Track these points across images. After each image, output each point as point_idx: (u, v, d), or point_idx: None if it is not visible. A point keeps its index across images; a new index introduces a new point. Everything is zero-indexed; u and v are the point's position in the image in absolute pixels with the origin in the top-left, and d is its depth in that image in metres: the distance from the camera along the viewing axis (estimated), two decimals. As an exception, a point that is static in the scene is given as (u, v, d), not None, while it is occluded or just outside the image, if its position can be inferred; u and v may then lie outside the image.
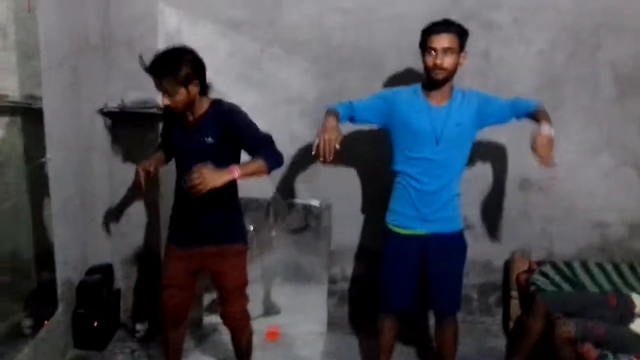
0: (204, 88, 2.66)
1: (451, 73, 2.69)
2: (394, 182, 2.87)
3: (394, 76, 3.45)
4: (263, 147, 2.61)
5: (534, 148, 2.62)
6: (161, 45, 3.39)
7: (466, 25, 3.21)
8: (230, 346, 3.05)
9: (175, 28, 3.46)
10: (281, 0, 3.44)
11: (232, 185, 2.66)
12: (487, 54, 3.45)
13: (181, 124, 2.70)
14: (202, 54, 3.42)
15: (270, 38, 3.48)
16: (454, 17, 3.32)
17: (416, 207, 2.79)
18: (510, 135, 3.48)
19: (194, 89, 2.57)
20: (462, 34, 2.69)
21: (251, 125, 2.67)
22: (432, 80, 2.70)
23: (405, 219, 2.82)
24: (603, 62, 3.45)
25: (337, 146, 2.57)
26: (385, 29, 3.43)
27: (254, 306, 3.56)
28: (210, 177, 2.39)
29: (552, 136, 2.64)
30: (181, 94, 2.55)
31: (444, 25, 2.67)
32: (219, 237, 2.75)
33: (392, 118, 2.79)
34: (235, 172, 2.48)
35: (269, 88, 3.54)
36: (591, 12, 3.38)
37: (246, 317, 2.95)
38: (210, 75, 3.44)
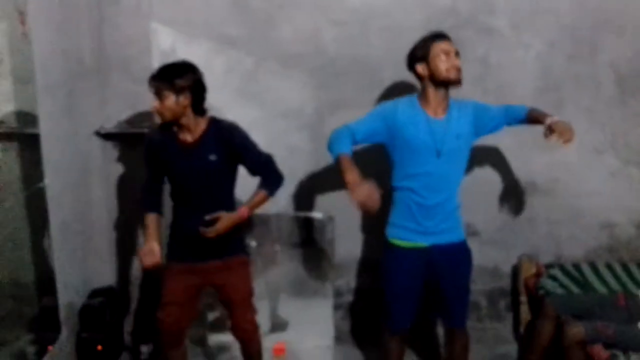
0: (201, 107, 2.69)
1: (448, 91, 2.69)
2: (394, 196, 2.82)
3: (391, 86, 3.43)
4: (265, 169, 2.75)
5: (551, 130, 2.59)
6: (156, 64, 3.40)
7: (464, 32, 3.24)
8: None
9: (170, 47, 3.45)
10: (275, 15, 3.42)
11: (230, 198, 2.78)
12: (485, 60, 3.44)
13: (177, 147, 2.70)
14: (197, 71, 3.46)
15: (265, 52, 3.46)
16: (451, 24, 3.35)
17: (417, 220, 2.75)
18: (513, 139, 3.45)
19: (184, 101, 2.60)
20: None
21: (253, 145, 2.76)
22: (447, 82, 2.66)
23: (407, 232, 2.78)
24: (603, 62, 3.43)
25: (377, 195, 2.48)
26: (381, 40, 3.41)
27: (260, 322, 3.57)
28: (224, 225, 2.64)
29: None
30: (170, 100, 2.59)
31: (444, 34, 2.71)
32: (221, 251, 2.75)
33: (392, 136, 2.74)
34: (245, 213, 2.71)
35: (266, 102, 3.53)
36: (590, 12, 3.38)
37: (255, 328, 2.94)
38: (207, 92, 3.47)
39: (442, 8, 3.37)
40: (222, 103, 3.48)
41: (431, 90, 2.69)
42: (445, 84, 2.67)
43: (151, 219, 2.80)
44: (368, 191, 2.46)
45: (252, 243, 3.54)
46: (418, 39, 2.72)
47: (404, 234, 2.79)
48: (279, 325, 3.67)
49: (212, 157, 2.67)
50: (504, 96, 3.44)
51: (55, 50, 3.04)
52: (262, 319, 3.52)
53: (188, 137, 2.68)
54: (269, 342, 3.51)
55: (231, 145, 2.70)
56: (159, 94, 2.60)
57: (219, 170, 2.70)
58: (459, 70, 2.65)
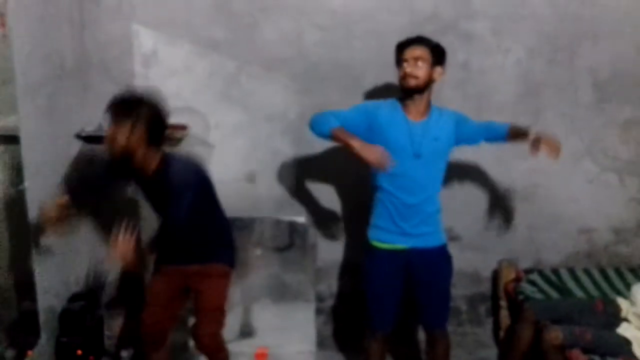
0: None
1: (423, 84, 2.73)
2: (374, 197, 2.87)
3: (373, 90, 3.45)
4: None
5: (537, 145, 2.70)
6: (138, 67, 3.39)
7: (445, 37, 3.23)
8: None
9: (151, 50, 3.43)
10: (258, 18, 3.42)
11: (209, 215, 2.78)
12: (466, 65, 3.46)
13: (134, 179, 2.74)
14: (180, 74, 3.45)
15: (249, 56, 3.46)
16: (432, 29, 3.37)
17: (395, 221, 2.80)
18: (494, 145, 3.48)
19: (139, 138, 2.57)
20: (434, 48, 2.76)
21: (181, 199, 2.62)
22: (403, 89, 2.75)
23: (386, 234, 2.83)
24: (581, 69, 3.48)
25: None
26: (364, 44, 3.43)
27: (235, 328, 3.54)
28: None
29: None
30: (122, 133, 2.55)
31: (416, 39, 2.77)
32: (204, 256, 2.77)
33: (371, 132, 2.78)
34: None
35: (249, 106, 3.52)
36: (569, 19, 3.42)
37: (218, 343, 2.91)
38: (189, 96, 3.46)
39: (424, 13, 3.40)
40: (204, 107, 3.49)
41: (402, 89, 2.77)
42: (403, 91, 2.76)
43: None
44: (379, 149, 2.61)
45: (258, 252, 3.54)
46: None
47: (383, 236, 2.83)
48: (254, 331, 3.66)
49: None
50: (484, 101, 3.49)
51: (35, 51, 3.00)
52: (237, 324, 3.56)
53: (146, 171, 2.66)
54: (250, 348, 3.51)
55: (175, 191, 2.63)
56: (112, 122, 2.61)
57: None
58: (411, 77, 2.70)
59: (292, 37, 3.44)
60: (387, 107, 2.82)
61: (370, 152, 2.61)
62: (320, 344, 3.62)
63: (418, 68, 2.70)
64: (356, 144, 2.62)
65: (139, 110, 2.52)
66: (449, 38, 3.40)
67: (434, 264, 2.85)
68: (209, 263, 2.78)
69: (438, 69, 2.77)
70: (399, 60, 2.76)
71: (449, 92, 3.46)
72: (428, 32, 3.34)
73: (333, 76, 3.47)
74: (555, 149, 2.72)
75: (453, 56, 3.41)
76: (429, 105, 2.80)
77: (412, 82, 2.71)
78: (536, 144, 2.71)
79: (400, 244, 2.81)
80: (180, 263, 2.78)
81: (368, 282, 2.90)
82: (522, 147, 3.48)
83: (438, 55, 2.77)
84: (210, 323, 2.85)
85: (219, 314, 2.87)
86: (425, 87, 2.74)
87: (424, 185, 2.79)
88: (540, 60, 3.47)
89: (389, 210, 2.81)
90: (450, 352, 3.01)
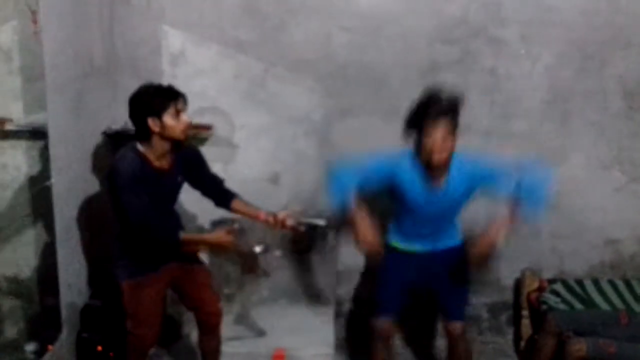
0: None
1: (449, 156, 2.63)
2: (394, 213, 2.90)
3: (400, 94, 3.42)
4: (223, 186, 2.91)
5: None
6: (165, 66, 3.41)
7: (473, 42, 3.22)
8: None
9: (179, 50, 3.46)
10: (286, 20, 3.43)
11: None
12: (494, 71, 3.44)
13: (152, 173, 2.65)
14: (206, 74, 3.47)
15: (275, 58, 3.46)
16: (460, 34, 3.35)
17: (414, 234, 2.85)
18: (518, 150, 3.46)
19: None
20: (456, 114, 2.60)
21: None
22: (431, 165, 2.63)
23: (405, 240, 2.87)
24: (611, 76, 3.43)
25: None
26: (391, 47, 3.41)
27: (253, 329, 3.59)
28: None
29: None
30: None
31: (442, 111, 2.56)
32: (181, 256, 2.79)
33: (391, 185, 2.77)
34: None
35: (274, 108, 3.52)
36: (599, 27, 3.37)
37: (220, 316, 3.01)
38: (215, 96, 3.48)
39: (453, 17, 3.37)
40: (229, 107, 3.51)
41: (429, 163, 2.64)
42: (425, 163, 2.64)
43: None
44: (372, 245, 2.71)
45: (257, 248, 3.54)
46: (421, 102, 2.64)
47: (402, 240, 2.88)
48: (272, 332, 3.66)
49: (180, 179, 2.76)
50: (511, 107, 3.46)
51: (65, 49, 3.04)
52: (258, 325, 3.60)
53: (164, 163, 2.67)
54: (267, 349, 3.52)
55: (191, 164, 2.78)
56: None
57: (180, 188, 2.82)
58: (442, 156, 2.58)
59: (319, 39, 3.44)
60: (406, 165, 2.71)
61: (364, 246, 2.74)
62: (338, 347, 3.61)
63: (446, 145, 2.56)
64: (362, 237, 2.72)
65: None
66: (477, 43, 3.39)
67: (452, 259, 2.87)
68: (188, 263, 2.84)
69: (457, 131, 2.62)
70: (422, 128, 2.57)
71: (477, 98, 3.44)
72: (456, 36, 3.37)
73: (359, 79, 3.46)
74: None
75: (481, 61, 3.42)
76: (446, 169, 2.69)
77: (441, 161, 2.60)
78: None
79: (419, 248, 2.86)
80: (159, 265, 2.78)
81: (381, 275, 2.96)
82: (547, 153, 3.50)
83: (458, 116, 2.61)
84: (211, 299, 2.95)
85: (213, 287, 2.99)
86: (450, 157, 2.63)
87: (443, 222, 2.85)
88: (569, 67, 3.43)
89: (407, 225, 2.86)
90: (471, 355, 3.03)
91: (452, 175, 2.70)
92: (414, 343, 3.70)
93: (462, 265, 2.91)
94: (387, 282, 2.94)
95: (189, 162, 2.77)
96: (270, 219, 2.83)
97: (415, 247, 2.86)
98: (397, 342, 3.54)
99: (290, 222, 2.80)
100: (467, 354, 3.02)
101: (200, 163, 2.83)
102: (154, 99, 2.56)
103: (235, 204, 2.86)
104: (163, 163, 2.67)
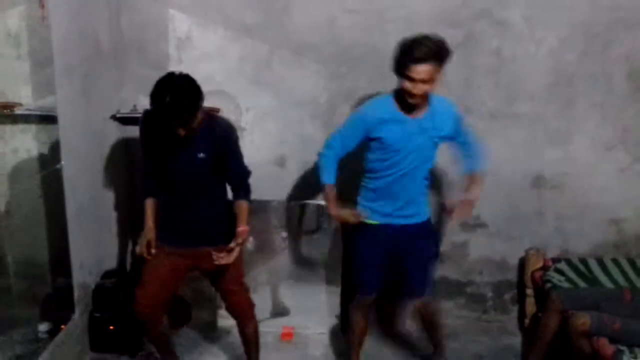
0: None
1: (427, 96, 2.68)
2: (365, 181, 2.92)
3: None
4: (244, 181, 2.77)
5: (452, 208, 2.93)
6: (172, 50, 3.44)
7: (478, 24, 3.21)
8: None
9: (185, 33, 3.48)
10: (291, 3, 3.44)
11: (221, 187, 2.78)
12: (499, 52, 3.44)
13: (166, 139, 2.61)
14: (213, 58, 3.50)
15: (280, 41, 3.48)
16: (465, 15, 3.35)
17: (383, 203, 2.86)
18: (524, 132, 3.50)
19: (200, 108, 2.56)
20: (442, 59, 2.59)
21: (239, 154, 2.75)
22: (405, 101, 2.67)
23: (376, 215, 2.88)
24: (616, 58, 3.42)
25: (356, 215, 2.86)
26: (396, 29, 3.39)
27: (264, 307, 3.61)
28: (237, 253, 2.66)
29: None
30: (196, 119, 2.52)
31: (425, 55, 2.55)
32: (214, 238, 2.74)
33: (369, 136, 2.79)
34: (246, 231, 2.69)
35: (280, 91, 3.55)
36: (604, 8, 3.36)
37: (251, 307, 3.00)
38: (222, 79, 3.50)
39: (457, 0, 3.38)
40: (236, 90, 3.54)
41: (404, 102, 2.70)
42: (404, 102, 2.69)
43: (149, 204, 2.82)
44: (349, 216, 2.87)
45: (284, 234, 3.59)
46: (403, 46, 2.62)
47: (372, 216, 2.88)
48: (282, 310, 3.73)
49: (201, 155, 2.62)
50: (515, 89, 3.47)
51: (73, 33, 3.07)
52: (267, 304, 3.64)
53: (181, 132, 2.53)
54: (275, 327, 3.59)
55: (223, 146, 2.66)
56: (186, 124, 2.49)
57: (205, 170, 2.66)
58: (419, 97, 2.62)
59: (324, 22, 3.45)
60: (379, 109, 2.75)
61: (343, 219, 2.90)
62: (345, 325, 3.66)
63: (425, 86, 2.58)
64: (332, 212, 2.90)
65: (200, 98, 2.53)
66: (481, 25, 3.39)
67: (419, 235, 2.91)
68: (220, 244, 2.68)
69: (441, 72, 2.62)
70: (402, 73, 2.59)
71: (481, 79, 3.45)
72: (461, 18, 3.37)
73: (363, 61, 3.48)
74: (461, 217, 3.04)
75: (485, 43, 3.42)
76: (425, 103, 2.74)
77: (417, 100, 2.65)
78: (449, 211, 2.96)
79: (390, 222, 2.87)
80: (189, 245, 2.77)
81: (356, 252, 2.99)
82: (552, 134, 3.51)
83: (444, 62, 2.60)
84: (240, 293, 2.93)
85: (242, 282, 2.94)
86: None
87: (415, 177, 2.82)
88: (573, 49, 3.43)
89: (376, 194, 2.87)
90: (439, 315, 3.14)
91: (428, 111, 2.74)
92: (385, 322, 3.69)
93: (430, 242, 3.00)
94: (362, 261, 2.97)
95: (217, 141, 2.64)
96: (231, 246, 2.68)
97: (388, 219, 2.86)
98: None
99: (226, 259, 2.66)
100: (438, 321, 3.14)
101: (226, 147, 2.68)
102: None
103: (235, 205, 2.78)
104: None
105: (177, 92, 2.41)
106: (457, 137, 2.89)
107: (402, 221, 2.86)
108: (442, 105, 2.78)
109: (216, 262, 2.61)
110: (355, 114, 2.89)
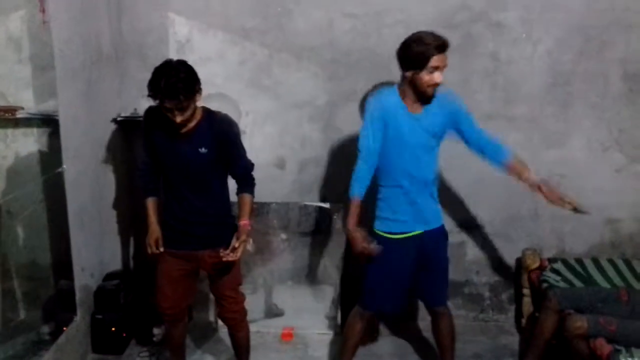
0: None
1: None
2: (380, 191, 2.86)
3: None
4: (247, 174, 2.78)
5: (550, 199, 2.85)
6: (172, 54, 3.46)
7: (474, 27, 3.23)
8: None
9: (186, 37, 3.51)
10: (290, 7, 3.47)
11: (223, 187, 2.80)
12: (495, 55, 3.47)
13: (167, 134, 2.63)
14: (213, 62, 3.52)
15: (279, 44, 3.51)
16: (462, 19, 3.38)
17: (407, 209, 2.81)
18: (519, 133, 3.53)
19: (199, 97, 2.56)
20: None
21: (241, 147, 2.76)
22: (426, 96, 2.68)
23: (400, 225, 2.83)
24: (612, 59, 3.46)
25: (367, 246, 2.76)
26: (394, 34, 3.42)
27: (264, 308, 3.65)
28: (243, 248, 2.68)
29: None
30: (192, 107, 2.53)
31: (445, 42, 2.63)
32: (213, 241, 2.75)
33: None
34: (248, 225, 2.72)
35: (279, 93, 3.58)
36: (600, 10, 3.39)
37: (244, 315, 3.01)
38: (221, 82, 3.53)
39: (454, 3, 3.41)
40: (235, 93, 3.56)
41: (409, 91, 2.71)
42: (423, 97, 2.69)
43: (151, 203, 2.84)
44: (360, 243, 2.75)
45: (283, 236, 3.62)
46: (420, 38, 2.63)
47: (397, 227, 2.83)
48: (281, 312, 3.75)
49: (203, 150, 2.63)
50: (513, 91, 3.50)
51: (74, 37, 3.09)
52: (267, 305, 3.67)
53: (178, 116, 2.52)
54: (275, 327, 3.62)
55: (224, 139, 2.66)
56: (182, 109, 2.49)
57: (207, 164, 2.67)
58: (436, 85, 2.64)
59: (323, 25, 3.48)
60: (389, 103, 2.75)
61: (354, 240, 2.77)
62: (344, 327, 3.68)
63: (442, 75, 2.64)
64: (350, 227, 2.78)
65: (197, 81, 2.53)
66: (478, 28, 3.42)
67: (441, 242, 2.91)
68: (219, 247, 2.69)
69: None
70: (424, 65, 2.61)
71: (478, 81, 3.48)
72: (458, 21, 3.40)
73: (362, 65, 3.51)
74: (557, 200, 2.85)
75: (482, 46, 3.45)
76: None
77: (434, 92, 2.68)
78: (537, 190, 2.85)
79: (416, 230, 2.82)
80: (190, 248, 2.79)
81: (374, 267, 2.87)
82: (548, 136, 3.54)
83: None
84: (234, 300, 2.93)
85: (238, 290, 2.94)
86: None
87: (422, 173, 2.80)
88: (569, 51, 3.46)
89: (398, 201, 2.81)
90: (454, 327, 3.07)
91: (432, 105, 2.74)
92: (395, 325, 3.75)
93: (445, 248, 2.96)
94: (381, 278, 2.88)
95: (218, 134, 2.65)
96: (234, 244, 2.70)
97: (414, 229, 2.82)
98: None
99: (232, 257, 2.67)
100: (453, 329, 3.06)
101: (227, 140, 2.68)
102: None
103: (239, 198, 2.80)
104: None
105: (172, 75, 2.43)
106: (465, 128, 2.83)
107: (423, 227, 2.83)
108: (443, 98, 2.77)
109: (224, 259, 2.64)
110: (369, 107, 2.82)
